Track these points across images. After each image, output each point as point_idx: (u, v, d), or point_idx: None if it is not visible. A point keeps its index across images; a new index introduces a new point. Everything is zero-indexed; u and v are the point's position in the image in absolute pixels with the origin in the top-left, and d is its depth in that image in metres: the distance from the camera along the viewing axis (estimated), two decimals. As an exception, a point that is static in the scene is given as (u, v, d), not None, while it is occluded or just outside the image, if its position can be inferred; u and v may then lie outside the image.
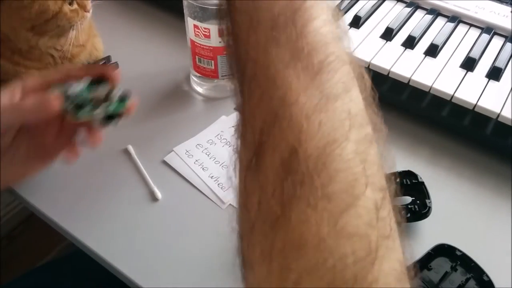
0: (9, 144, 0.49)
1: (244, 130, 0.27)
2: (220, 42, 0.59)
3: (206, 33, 0.58)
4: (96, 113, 0.45)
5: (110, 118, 0.47)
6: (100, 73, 0.48)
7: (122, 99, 0.47)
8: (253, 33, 0.27)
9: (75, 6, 0.58)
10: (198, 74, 0.64)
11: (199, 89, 0.66)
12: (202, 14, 0.57)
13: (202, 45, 0.60)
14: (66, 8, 0.57)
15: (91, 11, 0.61)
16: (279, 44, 0.27)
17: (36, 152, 0.51)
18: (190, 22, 0.59)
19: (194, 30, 0.59)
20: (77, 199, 0.53)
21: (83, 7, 0.59)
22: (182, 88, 0.67)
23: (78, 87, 0.47)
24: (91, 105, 0.46)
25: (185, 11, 0.59)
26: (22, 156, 0.50)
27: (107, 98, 0.46)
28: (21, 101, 0.45)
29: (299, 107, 0.25)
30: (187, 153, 0.59)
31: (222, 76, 0.63)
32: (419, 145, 0.61)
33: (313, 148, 0.24)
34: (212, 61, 0.61)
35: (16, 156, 0.49)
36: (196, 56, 0.62)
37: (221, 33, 0.55)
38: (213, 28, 0.57)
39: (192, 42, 0.61)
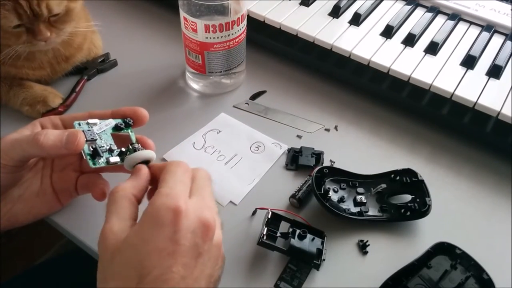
0: (21, 179, 0.47)
1: None
2: (206, 38, 0.59)
3: (193, 27, 0.58)
4: (111, 162, 0.44)
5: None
6: (127, 115, 0.47)
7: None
8: None
9: (20, 29, 0.54)
10: (192, 70, 0.64)
11: (195, 85, 0.66)
12: (190, 8, 0.57)
13: (191, 38, 0.60)
14: None
15: (52, 40, 0.57)
16: None
17: (49, 191, 0.49)
18: (181, 14, 0.59)
19: (184, 22, 0.59)
20: (76, 197, 0.52)
21: (33, 35, 0.55)
22: (180, 85, 0.67)
23: (101, 129, 0.45)
24: (108, 152, 0.44)
25: (179, 3, 0.59)
26: (33, 193, 0.48)
27: (126, 147, 0.45)
28: (40, 135, 0.42)
29: None
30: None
31: (209, 72, 0.63)
32: (419, 143, 0.61)
33: None
34: (200, 56, 0.61)
35: (26, 192, 0.47)
36: (186, 49, 0.63)
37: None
38: (199, 22, 0.57)
39: (183, 34, 0.61)
